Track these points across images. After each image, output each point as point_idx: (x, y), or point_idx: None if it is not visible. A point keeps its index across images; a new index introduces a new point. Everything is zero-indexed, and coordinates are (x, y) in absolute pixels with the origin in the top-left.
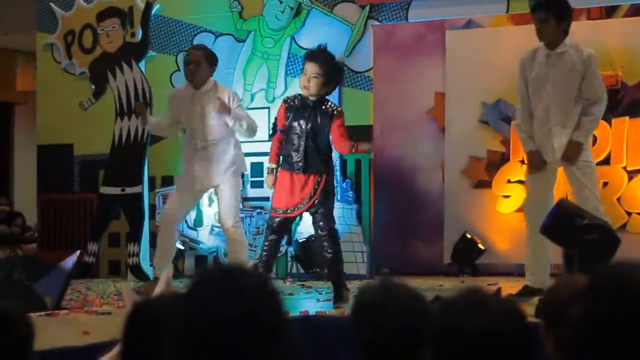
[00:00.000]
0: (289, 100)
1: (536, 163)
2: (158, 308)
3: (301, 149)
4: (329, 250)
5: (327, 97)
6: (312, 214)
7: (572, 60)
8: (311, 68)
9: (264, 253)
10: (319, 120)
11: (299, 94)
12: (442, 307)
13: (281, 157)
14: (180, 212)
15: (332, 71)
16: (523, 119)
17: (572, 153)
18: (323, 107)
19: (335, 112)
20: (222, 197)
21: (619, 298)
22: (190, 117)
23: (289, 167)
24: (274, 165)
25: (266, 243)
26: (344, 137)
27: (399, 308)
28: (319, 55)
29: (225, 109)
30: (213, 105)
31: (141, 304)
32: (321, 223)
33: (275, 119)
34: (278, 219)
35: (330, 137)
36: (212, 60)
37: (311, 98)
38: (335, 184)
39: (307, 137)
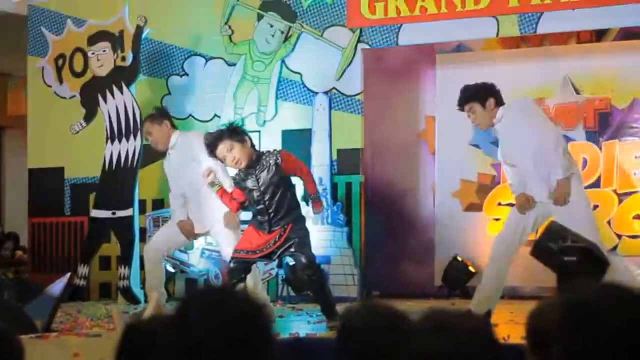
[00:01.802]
0: (235, 178)
1: (524, 204)
2: (149, 330)
3: (264, 210)
4: (314, 283)
5: (260, 152)
6: (286, 252)
7: (507, 122)
8: (221, 149)
9: None
10: (268, 178)
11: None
12: (409, 329)
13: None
14: (171, 248)
15: (233, 133)
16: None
17: (559, 192)
18: (264, 162)
19: (278, 161)
20: (219, 233)
21: (593, 336)
22: (178, 178)
23: (257, 225)
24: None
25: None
26: (300, 170)
27: (383, 331)
28: (215, 139)
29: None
30: (188, 154)
31: (133, 326)
32: (297, 253)
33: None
34: (237, 259)
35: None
36: (158, 120)
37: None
38: (306, 220)
39: (265, 198)
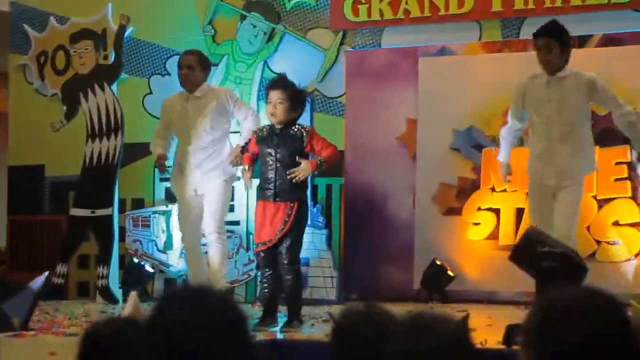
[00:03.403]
0: (257, 132)
1: (502, 173)
2: (112, 332)
3: (272, 178)
4: (289, 282)
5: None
6: (282, 245)
7: (573, 85)
8: (275, 95)
9: (265, 290)
10: (288, 146)
11: (268, 125)
12: (393, 331)
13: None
14: (198, 225)
15: (296, 95)
16: (510, 132)
17: None
18: (291, 131)
19: (305, 133)
20: (207, 201)
21: (566, 342)
22: (183, 123)
23: (262, 196)
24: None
25: (263, 280)
26: (326, 148)
27: (378, 334)
28: (280, 81)
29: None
30: (208, 111)
31: (95, 327)
32: (284, 254)
33: (247, 144)
34: (262, 252)
35: (322, 156)
36: (205, 64)
37: (278, 126)
38: (307, 210)
39: (277, 165)
